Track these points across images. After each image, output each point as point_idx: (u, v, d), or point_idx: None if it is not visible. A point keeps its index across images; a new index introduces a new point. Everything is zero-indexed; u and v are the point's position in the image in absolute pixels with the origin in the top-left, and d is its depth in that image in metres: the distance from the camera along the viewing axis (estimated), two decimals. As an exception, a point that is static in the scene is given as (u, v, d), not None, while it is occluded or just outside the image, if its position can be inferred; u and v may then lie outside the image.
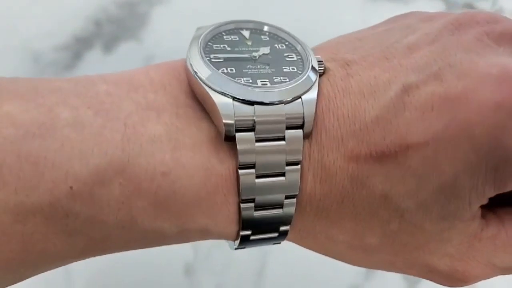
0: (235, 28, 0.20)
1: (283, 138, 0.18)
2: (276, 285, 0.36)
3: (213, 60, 0.18)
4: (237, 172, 0.18)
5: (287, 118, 0.18)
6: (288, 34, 0.20)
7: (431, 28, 0.20)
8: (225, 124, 0.17)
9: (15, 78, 0.18)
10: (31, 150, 0.16)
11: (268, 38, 0.20)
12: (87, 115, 0.17)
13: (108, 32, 0.42)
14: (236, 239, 0.19)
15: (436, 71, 0.18)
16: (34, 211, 0.16)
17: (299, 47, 0.20)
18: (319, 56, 0.19)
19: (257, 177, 0.18)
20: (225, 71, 0.18)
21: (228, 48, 0.19)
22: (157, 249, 0.19)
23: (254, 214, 0.18)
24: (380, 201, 0.18)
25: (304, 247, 0.21)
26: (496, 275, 0.21)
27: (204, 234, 0.19)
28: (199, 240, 0.19)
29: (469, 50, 0.19)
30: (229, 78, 0.18)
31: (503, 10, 0.48)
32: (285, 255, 0.36)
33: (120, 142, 0.17)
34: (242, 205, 0.18)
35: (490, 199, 0.19)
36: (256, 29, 0.20)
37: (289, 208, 0.19)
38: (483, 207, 0.19)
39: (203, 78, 0.18)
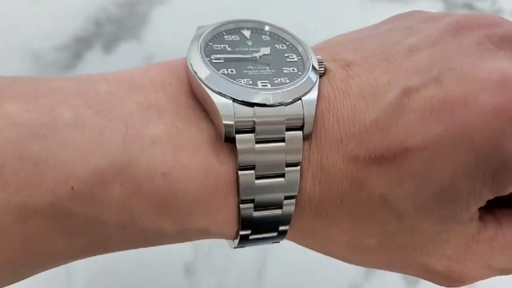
0: (235, 27, 0.20)
1: (283, 140, 0.18)
2: (276, 284, 0.36)
3: (213, 60, 0.18)
4: (237, 173, 0.18)
5: (287, 120, 0.18)
6: (289, 34, 0.20)
7: (432, 29, 0.20)
8: (225, 125, 0.17)
9: (16, 77, 0.18)
10: (32, 150, 0.16)
11: (269, 38, 0.20)
12: (88, 115, 0.17)
13: (108, 32, 0.42)
14: (236, 238, 0.19)
15: (436, 75, 0.18)
16: (35, 211, 0.16)
17: (300, 48, 0.20)
18: (319, 57, 0.19)
19: (257, 178, 0.18)
20: (226, 72, 0.18)
21: (229, 49, 0.19)
22: (157, 248, 0.19)
23: (254, 214, 0.18)
24: (379, 203, 0.18)
25: (303, 246, 0.21)
26: (493, 276, 0.21)
27: (204, 233, 0.19)
28: (199, 239, 0.19)
29: (470, 54, 0.19)
30: (230, 79, 0.18)
31: (502, 10, 0.48)
32: (285, 255, 0.36)
33: (121, 143, 0.17)
34: (242, 206, 0.18)
35: (488, 200, 0.19)
36: (257, 28, 0.20)
37: (288, 208, 0.19)
38: (481, 208, 0.19)
39: (203, 79, 0.18)
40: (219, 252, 0.36)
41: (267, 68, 0.19)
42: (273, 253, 0.36)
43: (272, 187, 0.18)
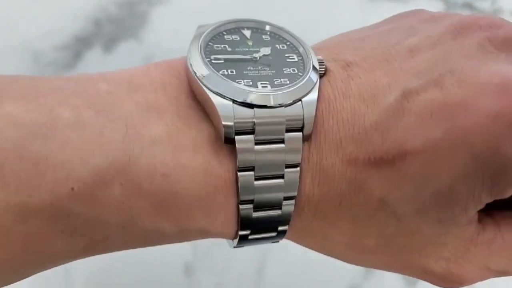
0: (236, 27, 0.20)
1: (282, 141, 0.18)
2: (275, 284, 0.36)
3: (213, 61, 0.18)
4: (236, 173, 0.18)
5: (287, 121, 0.18)
6: (290, 34, 0.20)
7: (433, 30, 0.20)
8: (225, 126, 0.17)
9: (16, 76, 0.18)
10: (32, 150, 0.16)
11: (269, 38, 0.20)
12: (88, 115, 0.17)
13: (108, 32, 0.42)
14: (235, 238, 0.19)
15: (436, 77, 0.18)
16: (35, 212, 0.16)
17: (301, 49, 0.20)
18: (320, 57, 0.19)
19: (256, 179, 0.18)
20: (226, 73, 0.18)
21: (229, 49, 0.19)
22: (156, 248, 0.19)
23: (253, 215, 0.18)
24: (378, 205, 0.18)
25: (303, 245, 0.21)
26: (491, 278, 0.21)
27: (203, 233, 0.19)
28: (198, 239, 0.20)
29: (471, 56, 0.18)
30: (229, 80, 0.18)
31: (502, 10, 0.48)
32: (285, 254, 0.36)
33: (121, 143, 0.17)
34: (241, 206, 0.18)
35: (487, 203, 0.19)
36: (258, 28, 0.20)
37: (288, 209, 0.19)
38: (480, 211, 0.19)
39: (203, 79, 0.18)
40: (219, 252, 0.36)
41: (267, 68, 0.19)
42: (273, 252, 0.36)
43: (271, 188, 0.18)
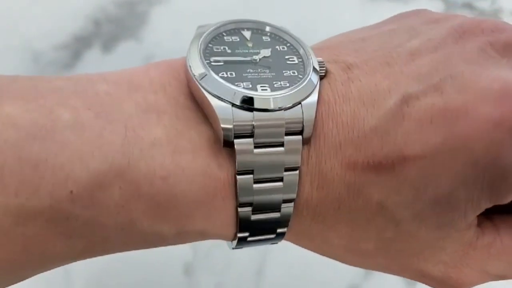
0: (236, 28, 0.20)
1: (282, 144, 0.18)
2: (275, 284, 0.36)
3: (213, 63, 0.18)
4: (235, 176, 0.18)
5: (286, 123, 0.18)
6: (290, 34, 0.20)
7: (435, 33, 0.20)
8: (224, 129, 0.17)
9: (15, 76, 0.18)
10: (32, 152, 0.16)
11: (269, 39, 0.20)
12: (87, 117, 0.17)
13: (107, 32, 0.42)
14: (234, 239, 0.19)
15: (437, 82, 0.18)
16: (35, 214, 0.16)
17: (301, 50, 0.20)
18: (320, 58, 0.19)
19: (255, 182, 0.18)
20: (225, 75, 0.18)
21: (229, 50, 0.19)
22: (157, 249, 0.19)
23: (252, 218, 0.18)
24: (376, 210, 0.18)
25: (301, 247, 0.21)
26: (489, 281, 0.21)
27: (202, 235, 0.19)
28: (197, 240, 0.19)
29: (472, 61, 0.18)
30: (229, 83, 0.18)
31: (502, 10, 0.48)
32: (285, 255, 0.36)
33: (120, 146, 0.17)
34: (240, 209, 0.18)
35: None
36: (258, 29, 0.20)
37: (287, 212, 0.19)
38: (479, 214, 0.19)
39: (202, 82, 0.18)
40: (219, 252, 0.36)
41: (267, 71, 0.19)
42: (273, 253, 0.36)
43: (270, 191, 0.18)
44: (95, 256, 0.18)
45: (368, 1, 0.46)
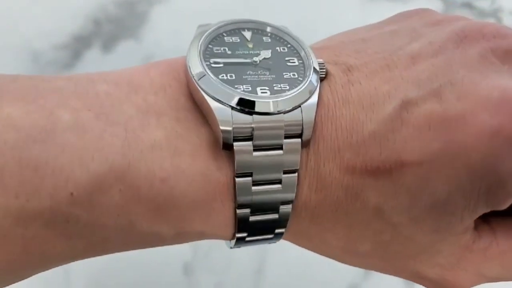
0: (236, 28, 0.20)
1: (281, 147, 0.18)
2: (275, 284, 0.36)
3: (212, 65, 0.18)
4: (234, 179, 0.18)
5: (286, 126, 0.18)
6: (290, 35, 0.20)
7: (436, 36, 0.19)
8: (223, 131, 0.17)
9: (15, 76, 0.18)
10: (32, 154, 0.16)
11: (270, 40, 0.20)
12: (87, 118, 0.17)
13: (107, 31, 0.42)
14: (232, 239, 0.19)
15: (436, 88, 0.18)
16: (35, 216, 0.16)
17: (301, 52, 0.19)
18: (321, 60, 0.19)
19: (254, 184, 0.18)
20: (225, 77, 0.18)
21: (229, 52, 0.19)
22: (156, 249, 0.19)
23: (250, 219, 0.18)
24: (373, 214, 0.18)
25: (300, 246, 0.21)
26: (484, 283, 0.21)
27: (201, 236, 0.19)
28: (195, 240, 0.20)
29: (472, 67, 0.18)
30: (228, 85, 0.18)
31: (502, 10, 0.48)
32: (284, 254, 0.36)
33: (120, 148, 0.17)
34: (238, 211, 0.18)
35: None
36: (258, 29, 0.20)
37: (285, 213, 0.19)
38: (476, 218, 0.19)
39: (202, 84, 0.18)
40: (218, 252, 0.36)
41: (267, 73, 0.19)
42: (272, 253, 0.36)
43: (268, 193, 0.18)
44: (94, 256, 0.18)
45: (368, 1, 0.46)
